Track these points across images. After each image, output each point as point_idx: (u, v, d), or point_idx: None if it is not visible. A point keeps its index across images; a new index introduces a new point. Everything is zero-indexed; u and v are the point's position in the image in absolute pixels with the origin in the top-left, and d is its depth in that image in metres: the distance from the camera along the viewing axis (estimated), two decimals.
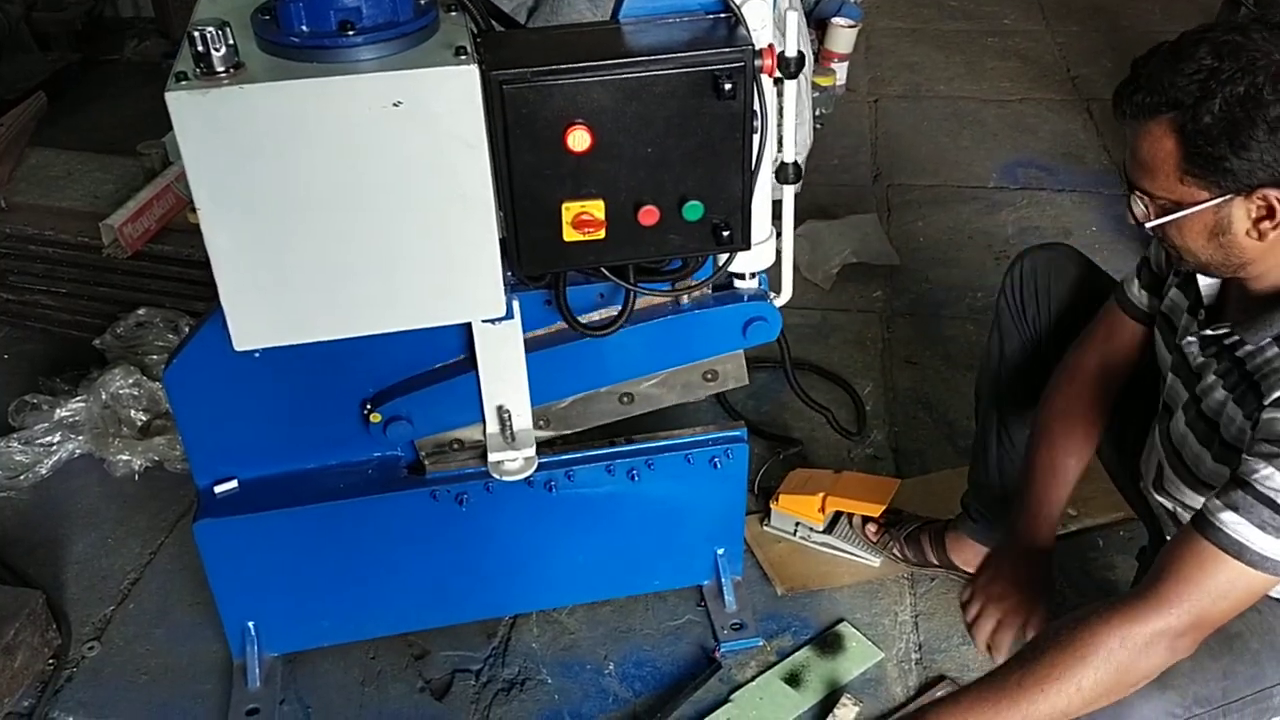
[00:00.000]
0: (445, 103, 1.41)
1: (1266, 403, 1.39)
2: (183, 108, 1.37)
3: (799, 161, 1.70)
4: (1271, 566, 1.35)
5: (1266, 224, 1.37)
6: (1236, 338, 1.49)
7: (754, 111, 1.52)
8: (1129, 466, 1.86)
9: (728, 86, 1.45)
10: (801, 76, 1.61)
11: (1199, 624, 1.40)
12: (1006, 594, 1.86)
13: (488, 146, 1.46)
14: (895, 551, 2.28)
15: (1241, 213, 1.38)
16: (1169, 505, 1.69)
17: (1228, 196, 1.37)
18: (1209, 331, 1.54)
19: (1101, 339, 1.85)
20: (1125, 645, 1.39)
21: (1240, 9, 3.71)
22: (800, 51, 1.58)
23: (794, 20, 1.58)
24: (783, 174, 1.70)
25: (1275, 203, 1.36)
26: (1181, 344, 1.62)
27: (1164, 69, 1.37)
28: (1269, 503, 1.34)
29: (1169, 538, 1.70)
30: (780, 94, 1.61)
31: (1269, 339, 1.44)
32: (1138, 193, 1.45)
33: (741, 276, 1.84)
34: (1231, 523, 1.36)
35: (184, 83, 1.37)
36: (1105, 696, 1.41)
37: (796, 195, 1.81)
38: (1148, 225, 1.46)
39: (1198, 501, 1.52)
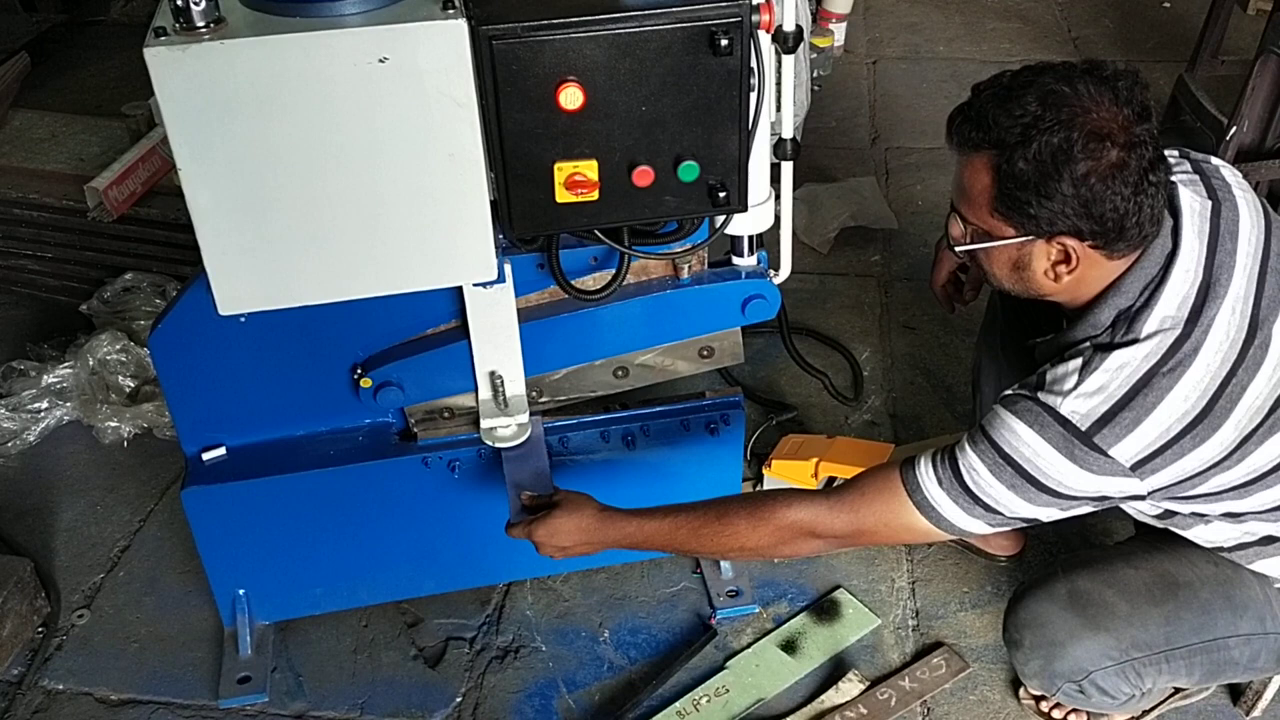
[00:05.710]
0: (432, 59, 1.37)
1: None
2: (162, 64, 1.32)
3: (796, 135, 1.67)
4: (933, 517, 1.53)
5: (1062, 268, 1.47)
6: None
7: (751, 69, 1.48)
8: None
9: (724, 42, 1.41)
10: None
11: (857, 537, 1.61)
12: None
13: (477, 104, 1.42)
14: None
15: (1041, 254, 1.47)
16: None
17: (1030, 237, 1.45)
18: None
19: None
20: (792, 529, 1.60)
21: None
22: (799, 25, 1.57)
23: None
24: (781, 150, 1.68)
25: (1071, 251, 1.44)
26: None
27: (994, 106, 1.42)
28: (957, 474, 1.51)
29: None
30: (779, 67, 1.58)
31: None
32: (956, 214, 1.53)
33: (740, 239, 1.81)
34: (924, 472, 1.53)
35: (163, 38, 1.32)
36: (755, 557, 1.76)
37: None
38: (958, 249, 1.55)
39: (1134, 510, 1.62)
